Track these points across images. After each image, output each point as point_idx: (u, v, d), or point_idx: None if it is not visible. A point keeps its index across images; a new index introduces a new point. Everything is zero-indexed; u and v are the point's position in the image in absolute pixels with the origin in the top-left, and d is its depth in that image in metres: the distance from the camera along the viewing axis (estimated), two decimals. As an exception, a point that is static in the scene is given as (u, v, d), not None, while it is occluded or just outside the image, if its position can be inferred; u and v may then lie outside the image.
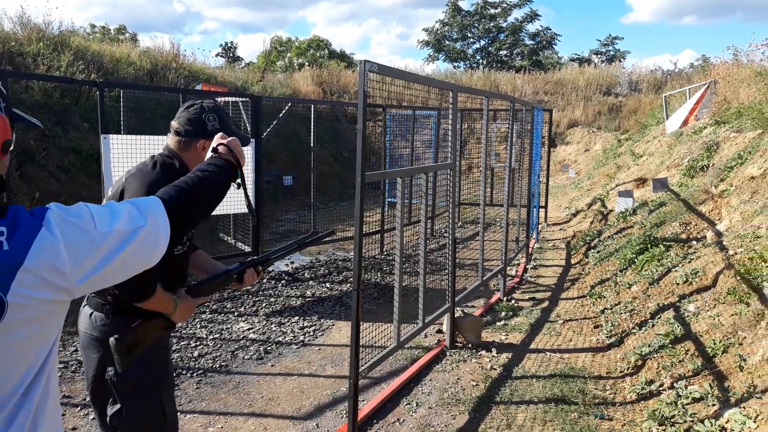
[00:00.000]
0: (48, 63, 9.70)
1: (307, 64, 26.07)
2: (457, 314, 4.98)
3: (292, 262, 7.92)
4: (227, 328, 5.29)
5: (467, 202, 10.78)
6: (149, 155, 2.25)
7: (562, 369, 4.48)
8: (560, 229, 10.47)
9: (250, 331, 5.24)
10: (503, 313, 5.80)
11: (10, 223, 1.07)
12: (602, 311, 5.63)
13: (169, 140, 2.22)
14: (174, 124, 2.19)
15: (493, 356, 4.73)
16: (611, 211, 9.46)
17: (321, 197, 10.09)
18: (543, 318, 5.72)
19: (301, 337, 5.12)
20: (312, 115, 7.80)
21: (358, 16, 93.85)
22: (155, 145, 5.80)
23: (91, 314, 2.15)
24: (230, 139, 1.70)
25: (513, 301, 6.23)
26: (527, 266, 7.76)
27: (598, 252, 7.54)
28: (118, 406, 2.15)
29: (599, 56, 30.33)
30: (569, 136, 21.01)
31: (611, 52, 30.54)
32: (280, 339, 5.07)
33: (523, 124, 7.14)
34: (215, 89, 10.80)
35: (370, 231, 8.52)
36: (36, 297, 1.07)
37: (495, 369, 4.49)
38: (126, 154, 5.62)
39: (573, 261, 7.94)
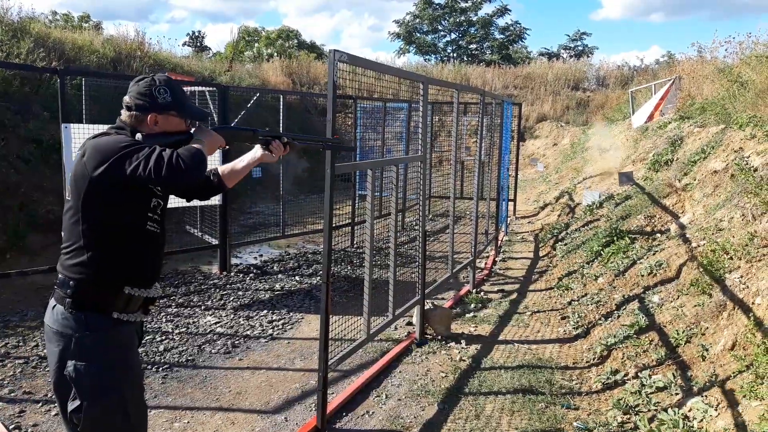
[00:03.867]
0: (7, 50, 9.34)
1: (276, 54, 25.74)
2: (427, 306, 4.98)
3: (261, 255, 7.83)
4: (194, 322, 5.19)
5: (438, 195, 10.80)
6: None
7: (529, 360, 4.52)
8: (529, 222, 10.59)
9: (218, 324, 5.16)
10: (473, 305, 5.83)
11: None
12: (569, 303, 5.71)
13: (123, 116, 2.15)
14: (126, 98, 2.13)
15: (463, 348, 4.75)
16: (578, 204, 9.60)
17: (290, 190, 9.97)
18: (512, 310, 5.77)
19: (270, 331, 5.06)
20: (281, 106, 7.70)
21: (330, 7, 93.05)
22: (119, 134, 5.65)
23: (54, 307, 2.09)
24: None
25: (482, 293, 6.26)
26: (496, 258, 7.83)
27: (566, 244, 7.65)
28: (78, 401, 2.06)
29: (568, 51, 30.71)
30: (538, 131, 21.23)
31: (579, 48, 30.94)
32: (248, 333, 5.00)
33: (492, 117, 7.17)
34: (181, 78, 10.57)
35: (341, 224, 8.47)
36: None
37: (464, 360, 4.51)
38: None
39: (541, 253, 8.04)
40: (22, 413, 3.55)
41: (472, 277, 6.40)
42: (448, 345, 4.79)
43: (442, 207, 11.38)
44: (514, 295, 6.26)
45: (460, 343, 4.83)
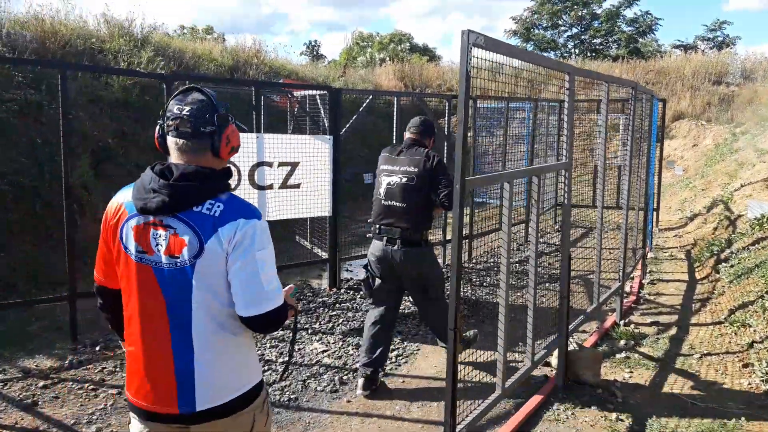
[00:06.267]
0: (128, 59, 9.53)
1: (388, 59, 25.43)
2: (570, 346, 4.09)
3: (373, 270, 7.24)
4: (299, 349, 4.66)
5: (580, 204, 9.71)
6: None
7: (710, 426, 3.51)
8: (675, 236, 9.20)
9: (325, 354, 4.58)
10: (622, 342, 4.84)
11: (227, 202, 1.74)
12: (750, 344, 4.55)
13: (415, 135, 4.11)
14: (417, 129, 4.14)
15: (618, 402, 3.82)
16: (740, 216, 8.13)
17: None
18: (673, 350, 4.71)
19: (382, 366, 4.40)
20: (395, 109, 7.09)
21: (441, 10, 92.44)
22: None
23: (399, 247, 3.93)
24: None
25: (632, 326, 5.23)
26: (643, 281, 6.68)
27: (732, 266, 6.35)
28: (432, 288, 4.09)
29: (706, 42, 27.76)
30: (674, 130, 19.15)
31: (719, 38, 27.87)
32: (357, 366, 4.37)
33: (642, 116, 6.08)
34: (292, 82, 10.34)
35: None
36: (214, 250, 1.70)
37: (622, 420, 3.58)
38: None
39: (698, 276, 6.77)
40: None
41: (619, 306, 5.38)
42: (599, 397, 3.87)
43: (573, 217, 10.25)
44: (673, 330, 5.16)
45: (614, 396, 3.90)
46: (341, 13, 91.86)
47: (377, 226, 4.04)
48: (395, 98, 7.24)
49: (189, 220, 1.70)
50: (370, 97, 7.65)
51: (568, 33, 28.20)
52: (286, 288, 2.04)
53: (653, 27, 27.12)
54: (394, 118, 7.09)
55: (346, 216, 9.71)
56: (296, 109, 7.58)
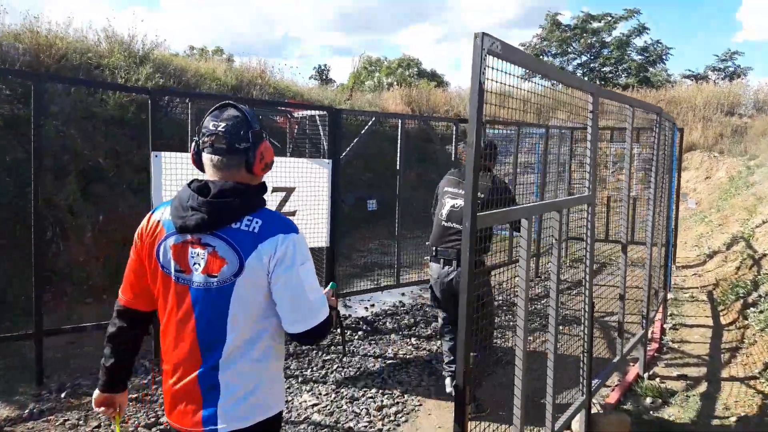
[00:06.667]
0: (126, 75, 9.19)
1: (396, 83, 25.17)
2: (594, 409, 3.59)
3: (372, 306, 6.76)
4: (288, 402, 4.16)
5: (577, 237, 9.22)
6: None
7: None
8: (694, 274, 8.68)
9: (315, 408, 4.07)
10: (649, 400, 4.32)
11: (265, 218, 1.74)
12: (794, 407, 4.04)
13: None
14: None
15: (650, 478, 3.30)
16: (764, 255, 7.63)
17: (406, 225, 8.86)
18: (706, 410, 4.19)
19: (379, 424, 3.88)
20: (399, 132, 6.68)
21: (450, 38, 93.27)
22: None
23: (454, 268, 3.93)
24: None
25: (657, 380, 4.71)
26: (664, 326, 6.15)
27: (762, 312, 5.84)
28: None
29: (717, 73, 27.44)
30: (686, 161, 18.71)
31: (730, 69, 27.55)
32: (351, 424, 3.86)
33: (666, 145, 5.63)
34: (292, 102, 9.98)
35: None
36: (254, 267, 1.68)
37: (656, 503, 3.07)
38: (183, 175, 4.67)
39: (724, 321, 6.25)
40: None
41: (643, 355, 4.87)
42: (627, 470, 3.36)
43: (581, 251, 9.76)
44: (703, 386, 4.64)
45: (645, 469, 3.39)
46: (353, 38, 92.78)
47: (434, 248, 4.05)
48: (400, 121, 6.83)
49: (228, 237, 1.70)
50: (373, 118, 7.24)
51: (578, 61, 27.99)
52: (325, 291, 1.95)
53: (664, 56, 26.87)
54: (399, 141, 6.68)
55: (347, 243, 9.26)
56: (296, 131, 7.17)
